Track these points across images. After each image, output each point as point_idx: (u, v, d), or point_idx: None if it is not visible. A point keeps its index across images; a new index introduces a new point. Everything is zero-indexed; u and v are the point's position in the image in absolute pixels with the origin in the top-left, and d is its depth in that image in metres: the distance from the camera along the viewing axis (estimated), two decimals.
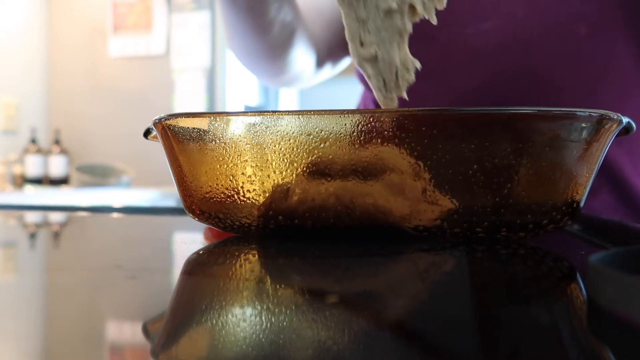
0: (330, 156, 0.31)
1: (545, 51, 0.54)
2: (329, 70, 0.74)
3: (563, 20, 0.53)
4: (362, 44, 0.35)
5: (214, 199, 0.33)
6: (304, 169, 0.31)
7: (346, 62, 0.76)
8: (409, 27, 0.35)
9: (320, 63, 0.71)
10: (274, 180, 0.32)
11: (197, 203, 0.35)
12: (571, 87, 0.54)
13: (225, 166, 0.32)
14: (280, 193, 0.32)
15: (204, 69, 2.50)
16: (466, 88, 0.56)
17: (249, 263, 0.30)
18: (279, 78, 0.70)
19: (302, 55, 0.66)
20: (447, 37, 0.56)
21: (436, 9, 0.35)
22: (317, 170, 0.31)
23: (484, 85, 0.55)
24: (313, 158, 0.31)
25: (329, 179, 0.31)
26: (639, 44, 0.54)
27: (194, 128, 0.33)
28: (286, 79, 0.71)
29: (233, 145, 0.32)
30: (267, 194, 0.32)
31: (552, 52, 0.54)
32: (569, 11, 0.53)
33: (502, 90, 0.55)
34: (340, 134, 0.30)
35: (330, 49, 0.71)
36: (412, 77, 0.35)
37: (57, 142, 2.50)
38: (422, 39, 0.55)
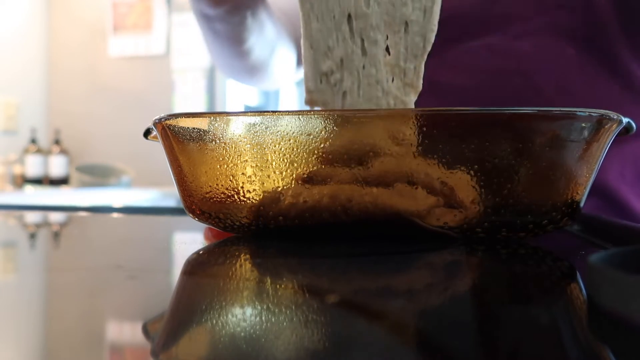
0: (330, 156, 0.31)
1: (536, 71, 0.55)
2: None
3: (552, 41, 0.54)
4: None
5: (214, 199, 0.33)
6: (304, 169, 0.31)
7: None
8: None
9: (300, 60, 0.72)
10: (274, 180, 0.32)
11: (197, 203, 0.34)
12: (561, 102, 0.55)
13: (225, 166, 0.32)
14: (279, 194, 0.32)
15: (204, 69, 2.50)
16: (456, 104, 0.57)
17: (249, 263, 0.30)
18: (262, 84, 0.73)
19: (282, 62, 0.67)
20: (437, 52, 0.56)
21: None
22: (318, 171, 0.31)
23: (474, 102, 0.56)
24: (313, 158, 0.31)
25: (328, 179, 0.31)
26: (628, 61, 0.54)
27: (194, 128, 0.33)
28: (269, 84, 0.73)
29: (233, 145, 0.32)
30: (267, 194, 0.32)
31: (542, 72, 0.55)
32: (558, 33, 0.54)
33: (493, 105, 0.55)
34: (340, 133, 0.30)
35: None
36: None
37: (57, 142, 2.50)
38: None
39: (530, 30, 0.55)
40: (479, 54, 0.56)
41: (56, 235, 0.47)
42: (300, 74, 0.76)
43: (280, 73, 0.69)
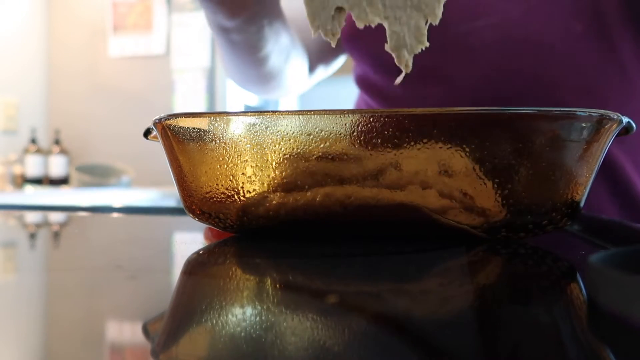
0: (330, 156, 0.31)
1: (542, 48, 0.54)
2: (322, 72, 0.75)
3: (558, 18, 0.53)
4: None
5: (214, 199, 0.33)
6: (304, 169, 0.31)
7: (339, 62, 0.76)
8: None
9: (312, 68, 0.72)
10: (274, 180, 0.32)
11: (197, 203, 0.34)
12: (569, 84, 0.54)
13: (225, 166, 0.32)
14: (280, 194, 0.32)
15: (204, 69, 2.50)
16: (464, 85, 0.56)
17: (249, 263, 0.30)
18: (274, 93, 0.72)
19: (296, 70, 0.67)
20: (441, 34, 0.56)
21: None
22: (318, 171, 0.31)
23: (482, 83, 0.55)
24: (312, 159, 0.31)
25: (328, 179, 0.31)
26: (638, 41, 0.54)
27: (194, 128, 0.33)
28: (282, 93, 0.72)
29: (233, 145, 0.32)
30: (267, 195, 0.32)
31: (548, 49, 0.54)
32: (563, 9, 0.53)
33: (501, 88, 0.55)
34: (340, 134, 0.30)
35: (321, 52, 0.71)
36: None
37: (57, 142, 2.50)
38: None
39: (535, 9, 0.54)
40: (483, 33, 0.55)
41: (56, 235, 0.47)
42: (311, 83, 0.76)
43: (293, 82, 0.69)
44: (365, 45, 0.61)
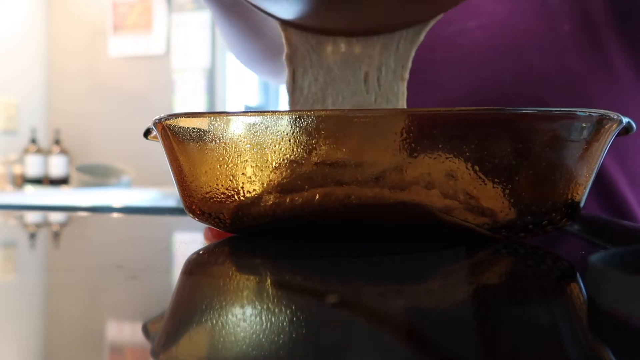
0: (330, 156, 0.31)
1: (531, 48, 0.54)
2: None
3: (544, 18, 0.54)
4: None
5: (214, 199, 0.33)
6: (304, 169, 0.31)
7: None
8: None
9: None
10: (273, 180, 0.32)
11: (197, 203, 0.34)
12: (555, 83, 0.54)
13: (225, 166, 0.32)
14: (279, 194, 0.32)
15: (204, 69, 2.50)
16: (454, 85, 0.56)
17: (249, 263, 0.30)
18: (280, 77, 0.71)
19: None
20: (432, 33, 0.56)
21: None
22: (318, 171, 0.31)
23: (473, 83, 0.56)
24: (313, 159, 0.31)
25: (328, 179, 0.31)
26: (627, 40, 0.54)
27: (194, 128, 0.33)
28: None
29: (233, 145, 0.32)
30: (267, 195, 0.32)
31: (537, 48, 0.54)
32: (550, 9, 0.53)
33: (489, 86, 0.55)
34: (340, 134, 0.30)
35: None
36: None
37: (57, 142, 2.50)
38: None
39: (522, 8, 0.54)
40: (474, 33, 0.55)
41: (56, 235, 0.47)
42: None
43: None
44: None
